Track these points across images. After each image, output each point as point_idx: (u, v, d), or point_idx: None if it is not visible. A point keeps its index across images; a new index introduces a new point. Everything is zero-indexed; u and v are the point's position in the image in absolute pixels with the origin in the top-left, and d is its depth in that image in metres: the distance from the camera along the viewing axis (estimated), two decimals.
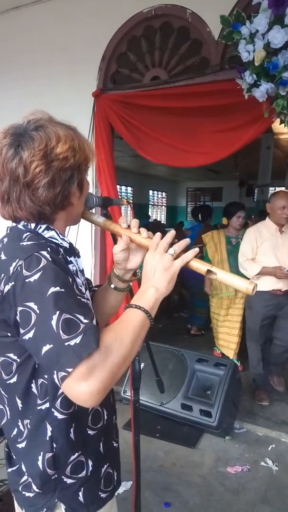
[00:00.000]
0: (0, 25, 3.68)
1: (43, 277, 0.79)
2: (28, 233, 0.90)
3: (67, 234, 1.03)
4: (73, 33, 3.34)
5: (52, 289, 0.78)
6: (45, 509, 0.95)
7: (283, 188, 10.22)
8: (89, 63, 3.24)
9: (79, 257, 1.03)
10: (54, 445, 0.93)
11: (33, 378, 0.91)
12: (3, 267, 0.84)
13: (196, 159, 3.08)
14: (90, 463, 0.99)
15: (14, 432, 0.96)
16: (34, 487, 0.95)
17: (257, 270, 3.03)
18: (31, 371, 0.90)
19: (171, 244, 0.95)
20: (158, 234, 0.96)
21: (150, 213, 14.91)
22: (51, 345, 0.75)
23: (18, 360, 0.90)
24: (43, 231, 0.93)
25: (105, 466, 1.04)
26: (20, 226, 0.94)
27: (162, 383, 2.19)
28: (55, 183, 0.90)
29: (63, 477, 0.95)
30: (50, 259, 0.82)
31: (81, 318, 0.78)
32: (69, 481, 0.96)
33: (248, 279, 3.11)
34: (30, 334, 0.78)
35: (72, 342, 0.74)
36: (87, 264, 3.37)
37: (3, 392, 0.95)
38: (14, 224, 0.96)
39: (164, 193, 16.26)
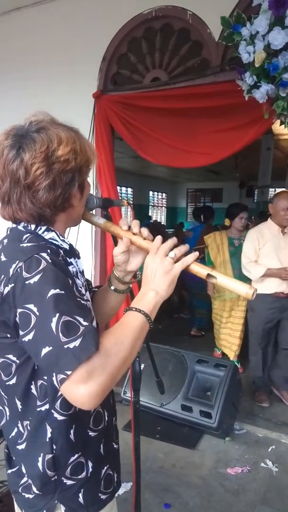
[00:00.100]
0: (1, 26, 3.69)
1: (43, 279, 0.79)
2: (28, 235, 0.90)
3: (67, 235, 1.03)
4: (73, 34, 3.35)
5: (52, 291, 0.78)
6: (45, 511, 0.95)
7: (284, 189, 10.23)
8: (89, 64, 3.25)
9: (79, 258, 1.03)
10: (54, 447, 0.93)
11: (33, 379, 0.91)
12: (3, 269, 0.84)
13: (196, 159, 3.08)
14: (90, 464, 0.99)
15: (14, 433, 0.96)
16: (34, 489, 0.95)
17: (262, 272, 2.99)
18: (30, 372, 0.90)
19: (173, 247, 0.95)
20: (159, 238, 0.96)
21: (150, 214, 14.90)
22: (51, 348, 0.75)
23: (18, 361, 0.90)
24: (43, 233, 0.93)
25: (105, 468, 1.04)
26: (20, 227, 0.94)
27: (162, 384, 2.19)
28: (56, 186, 0.90)
29: (63, 478, 0.95)
30: (50, 261, 0.82)
31: (81, 320, 0.78)
32: (69, 482, 0.96)
33: (250, 281, 3.10)
34: (30, 336, 0.78)
35: (71, 345, 0.74)
36: (87, 265, 3.37)
37: (2, 393, 0.95)
38: (14, 225, 0.96)
39: (164, 194, 16.25)
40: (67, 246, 0.96)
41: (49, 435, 0.92)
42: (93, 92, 3.18)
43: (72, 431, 0.94)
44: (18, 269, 0.81)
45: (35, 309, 0.78)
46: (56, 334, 0.75)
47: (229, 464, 2.58)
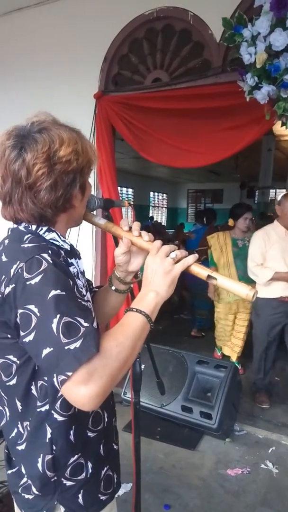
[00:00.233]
0: (2, 26, 3.69)
1: (44, 280, 0.79)
2: (29, 235, 0.90)
3: (68, 235, 1.03)
4: (75, 35, 3.35)
5: (53, 292, 0.78)
6: (44, 511, 0.95)
7: (284, 191, 10.23)
8: (90, 64, 3.25)
9: (80, 259, 1.03)
10: (54, 447, 0.93)
11: (33, 380, 0.91)
12: (4, 269, 0.84)
13: (197, 159, 3.08)
14: (90, 465, 0.99)
15: (14, 434, 0.96)
16: (34, 489, 0.95)
17: (270, 275, 2.93)
18: (31, 373, 0.90)
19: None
20: (159, 241, 0.96)
21: (151, 215, 14.91)
22: (51, 349, 0.75)
23: (18, 362, 0.90)
24: (44, 233, 0.93)
25: (105, 469, 1.04)
26: (21, 227, 0.94)
27: (162, 384, 2.19)
28: (57, 186, 0.90)
29: (62, 479, 0.95)
30: (51, 261, 0.82)
31: (82, 321, 0.78)
32: (68, 483, 0.96)
33: (254, 283, 3.07)
34: (31, 337, 0.78)
35: (72, 346, 0.74)
36: (87, 265, 3.37)
37: (2, 394, 0.95)
38: (15, 226, 0.96)
39: (165, 195, 16.27)
40: (68, 247, 0.96)
41: (49, 435, 0.92)
42: (94, 93, 3.18)
43: (72, 432, 0.94)
44: (19, 270, 0.81)
45: (36, 310, 0.78)
46: (56, 335, 0.75)
47: (229, 465, 2.58)
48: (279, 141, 7.94)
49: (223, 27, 2.35)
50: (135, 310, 0.87)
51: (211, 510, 2.20)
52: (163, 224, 13.85)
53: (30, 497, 0.96)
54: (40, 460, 0.93)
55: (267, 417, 3.12)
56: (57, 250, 0.91)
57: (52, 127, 0.90)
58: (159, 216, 16.04)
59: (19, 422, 0.94)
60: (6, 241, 0.93)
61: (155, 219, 13.61)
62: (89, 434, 0.98)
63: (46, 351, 0.75)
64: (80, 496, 0.97)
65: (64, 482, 0.95)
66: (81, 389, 0.73)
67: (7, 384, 0.93)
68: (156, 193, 15.69)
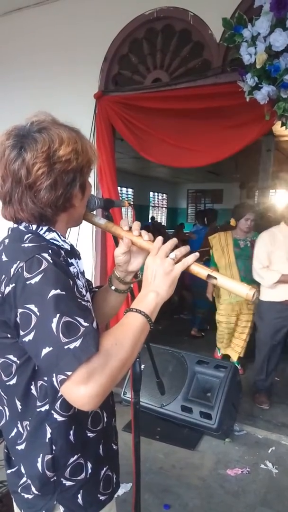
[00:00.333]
0: (2, 26, 3.69)
1: (44, 279, 0.79)
2: (29, 235, 0.90)
3: (68, 235, 1.03)
4: (74, 35, 3.35)
5: (53, 292, 0.78)
6: (43, 511, 0.95)
7: (284, 191, 10.21)
8: (90, 64, 3.25)
9: (80, 259, 1.03)
10: (54, 447, 0.92)
11: (33, 380, 0.91)
12: (4, 269, 0.84)
13: (198, 159, 3.08)
14: (89, 465, 0.99)
15: (13, 434, 0.96)
16: (33, 489, 0.95)
17: (276, 278, 2.91)
18: (30, 373, 0.90)
19: (173, 248, 0.94)
20: (160, 238, 0.96)
21: (151, 215, 14.91)
22: (51, 348, 0.75)
23: (18, 361, 0.90)
24: (44, 233, 0.93)
25: (105, 469, 1.04)
26: (21, 227, 0.94)
27: (162, 385, 2.19)
28: (57, 186, 0.90)
29: (62, 479, 0.95)
30: (51, 261, 0.83)
31: (81, 321, 0.78)
32: (68, 483, 0.96)
33: (256, 283, 3.05)
34: (30, 337, 0.78)
35: (71, 346, 0.74)
36: (87, 265, 3.37)
37: (2, 394, 0.95)
38: (15, 225, 0.96)
39: (164, 195, 16.25)
40: (68, 247, 0.96)
41: (48, 435, 0.92)
42: (94, 93, 3.18)
43: (71, 432, 0.94)
44: (19, 269, 0.81)
45: (35, 310, 0.78)
46: (56, 335, 0.75)
47: (229, 465, 2.58)
48: (278, 141, 7.93)
49: (223, 27, 2.36)
50: (135, 310, 0.87)
51: (210, 510, 2.20)
52: (163, 224, 13.84)
53: (30, 496, 0.96)
54: (39, 460, 0.93)
55: (267, 417, 3.12)
56: (57, 250, 0.91)
57: (52, 127, 0.90)
58: (159, 216, 16.03)
59: (18, 422, 0.94)
60: (6, 240, 0.93)
61: (157, 220, 13.62)
62: (88, 434, 0.98)
63: (45, 350, 0.75)
64: (79, 496, 0.97)
65: (64, 482, 0.95)
66: (81, 389, 0.73)
67: (7, 383, 0.93)
68: (156, 193, 15.68)
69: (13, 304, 0.81)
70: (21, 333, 0.80)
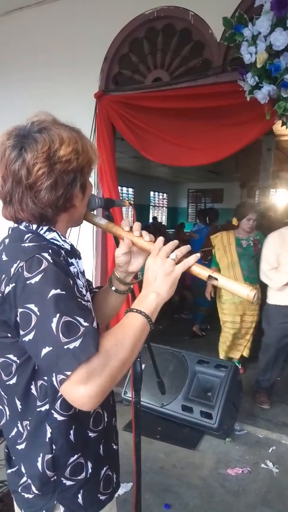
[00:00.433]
0: (2, 26, 3.69)
1: (44, 279, 0.79)
2: (29, 234, 0.90)
3: (68, 235, 1.03)
4: (75, 34, 3.35)
5: (53, 292, 0.78)
6: (44, 511, 0.95)
7: (284, 190, 10.20)
8: (91, 64, 3.25)
9: (80, 258, 1.03)
10: (54, 447, 0.93)
11: (33, 379, 0.91)
12: (4, 268, 0.85)
13: (198, 158, 3.08)
14: (89, 465, 0.99)
15: (14, 433, 0.96)
16: (34, 489, 0.95)
17: (285, 280, 2.87)
18: (30, 372, 0.90)
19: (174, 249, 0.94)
20: (161, 239, 0.96)
21: (151, 215, 14.90)
22: (51, 348, 0.75)
23: (18, 361, 0.90)
24: (44, 233, 0.93)
25: (105, 469, 1.04)
26: (21, 227, 0.94)
27: (163, 384, 2.19)
28: (58, 186, 0.90)
29: (62, 479, 0.95)
30: (51, 261, 0.83)
31: (81, 321, 0.78)
32: (68, 483, 0.96)
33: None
34: (30, 336, 0.78)
35: (71, 346, 0.74)
36: (88, 265, 3.37)
37: (2, 393, 0.96)
38: (16, 225, 0.96)
39: (165, 194, 16.25)
40: (68, 247, 0.96)
41: (48, 435, 0.92)
42: (95, 92, 3.18)
43: (72, 432, 0.94)
44: (19, 269, 0.81)
45: (35, 309, 0.78)
46: (56, 335, 0.75)
47: (230, 464, 2.58)
48: (279, 141, 7.93)
49: (224, 27, 2.36)
50: (135, 310, 0.87)
51: (211, 509, 2.21)
52: (163, 223, 13.85)
53: (30, 496, 0.96)
54: (40, 459, 0.93)
55: (268, 417, 3.12)
56: (58, 250, 0.91)
57: (52, 127, 0.90)
58: (159, 215, 16.03)
59: (19, 422, 0.94)
60: (7, 240, 0.93)
61: (159, 220, 13.65)
62: (89, 434, 0.98)
63: (45, 350, 0.75)
64: (79, 495, 0.97)
65: (64, 481, 0.95)
66: (80, 389, 0.73)
67: (7, 383, 0.93)
68: (156, 193, 15.67)
69: (13, 304, 0.81)
70: (21, 332, 0.80)
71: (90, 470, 0.99)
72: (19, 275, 0.81)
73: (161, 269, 0.91)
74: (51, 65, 3.47)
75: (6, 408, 0.96)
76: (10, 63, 3.71)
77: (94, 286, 1.22)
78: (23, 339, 0.80)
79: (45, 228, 0.93)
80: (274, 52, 2.17)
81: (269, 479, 2.46)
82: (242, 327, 3.60)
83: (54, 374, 0.74)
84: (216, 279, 0.90)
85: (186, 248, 0.95)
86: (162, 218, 16.03)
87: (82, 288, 0.97)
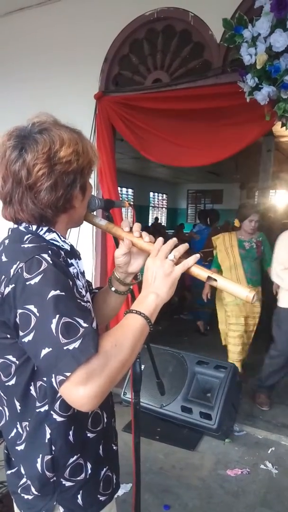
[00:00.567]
0: (3, 27, 3.70)
1: (43, 280, 0.79)
2: (29, 235, 0.90)
3: (68, 236, 1.03)
4: (75, 35, 3.35)
5: (53, 293, 0.78)
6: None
7: (284, 191, 10.20)
8: (91, 65, 3.25)
9: (80, 259, 1.03)
10: (53, 448, 0.92)
11: (32, 380, 0.91)
12: (4, 269, 0.85)
13: (198, 158, 3.08)
14: (89, 466, 0.99)
15: (13, 434, 0.96)
16: (33, 490, 0.95)
17: None
18: (30, 373, 0.90)
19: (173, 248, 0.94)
20: (160, 239, 0.96)
21: (151, 215, 14.91)
22: (50, 349, 0.75)
23: (17, 362, 0.90)
24: (44, 233, 0.93)
25: (104, 469, 1.04)
26: (21, 228, 0.94)
27: (162, 385, 2.19)
28: (58, 187, 0.90)
29: (62, 479, 0.95)
30: (51, 262, 0.83)
31: (81, 322, 0.78)
32: (68, 483, 0.96)
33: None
34: (30, 337, 0.78)
35: (71, 346, 0.74)
36: (87, 266, 3.37)
37: (2, 394, 0.95)
38: (15, 226, 0.96)
39: (164, 195, 16.26)
40: (68, 247, 0.96)
41: (48, 436, 0.92)
42: (95, 93, 3.19)
43: (71, 433, 0.94)
44: (19, 270, 0.81)
45: (35, 310, 0.78)
46: (55, 335, 0.75)
47: (229, 465, 2.58)
48: (278, 142, 7.94)
49: (224, 28, 2.36)
50: (135, 311, 0.87)
51: (210, 510, 2.20)
52: (162, 224, 13.86)
53: (30, 497, 0.96)
54: (39, 460, 0.93)
55: (267, 418, 3.12)
56: (57, 251, 0.91)
57: (53, 128, 0.90)
58: (159, 216, 16.04)
59: (18, 423, 0.94)
60: (6, 241, 0.93)
61: (159, 221, 13.66)
62: (88, 434, 0.98)
63: (45, 351, 0.75)
64: (79, 496, 0.97)
65: (64, 482, 0.95)
66: (80, 390, 0.73)
67: (6, 384, 0.93)
68: (156, 194, 15.68)
69: (13, 305, 0.81)
70: (21, 333, 0.80)
71: (89, 471, 0.99)
72: (19, 276, 0.81)
73: (160, 270, 0.91)
74: (52, 65, 3.48)
75: (6, 409, 0.96)
76: (11, 64, 3.72)
77: (94, 287, 1.22)
78: (23, 340, 0.80)
79: (44, 229, 0.93)
80: (274, 53, 2.17)
81: (268, 480, 2.46)
82: (245, 330, 3.52)
83: (53, 375, 0.74)
84: (215, 280, 0.90)
85: (184, 247, 0.95)
86: (162, 218, 16.04)
87: (81, 288, 0.97)
